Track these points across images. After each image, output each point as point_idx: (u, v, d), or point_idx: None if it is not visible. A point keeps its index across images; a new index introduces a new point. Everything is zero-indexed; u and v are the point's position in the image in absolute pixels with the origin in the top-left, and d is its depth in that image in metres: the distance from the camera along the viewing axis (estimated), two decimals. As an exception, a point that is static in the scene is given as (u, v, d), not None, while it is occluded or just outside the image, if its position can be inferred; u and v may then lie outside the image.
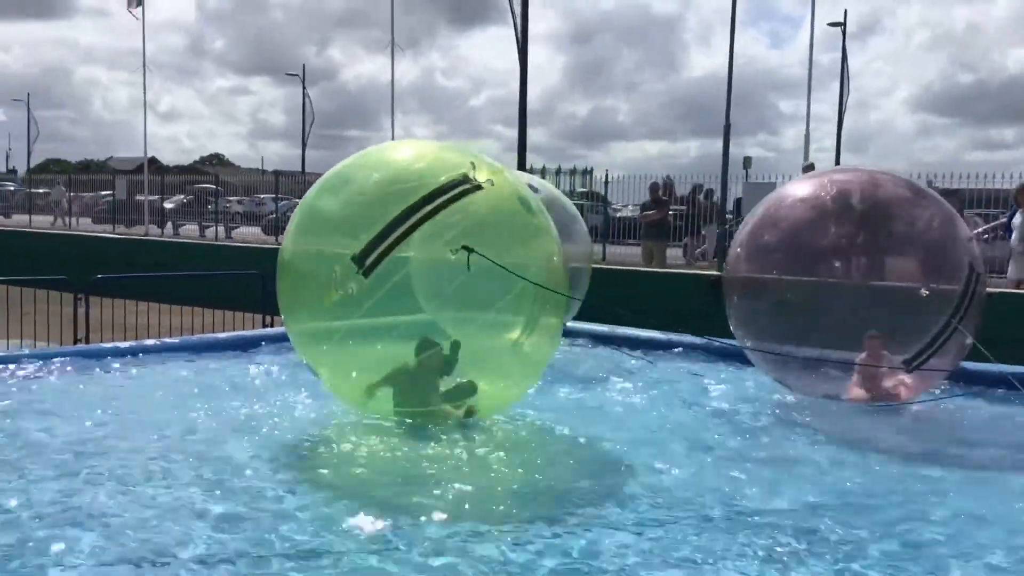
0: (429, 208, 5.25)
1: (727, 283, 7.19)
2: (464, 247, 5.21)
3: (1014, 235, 12.63)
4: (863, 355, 6.54)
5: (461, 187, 5.34)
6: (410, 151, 6.00)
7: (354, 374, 5.77)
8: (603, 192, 26.45)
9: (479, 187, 5.39)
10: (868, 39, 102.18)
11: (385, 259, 5.19)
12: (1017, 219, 12.73)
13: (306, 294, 5.72)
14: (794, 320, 6.55)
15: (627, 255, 21.10)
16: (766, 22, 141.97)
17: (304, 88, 46.88)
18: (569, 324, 8.47)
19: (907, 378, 6.50)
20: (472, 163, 5.50)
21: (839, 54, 35.01)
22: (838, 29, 35.46)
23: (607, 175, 25.83)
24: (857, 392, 6.63)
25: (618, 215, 26.97)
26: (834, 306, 6.53)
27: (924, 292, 6.39)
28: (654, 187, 19.75)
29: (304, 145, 45.95)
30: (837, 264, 6.63)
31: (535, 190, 8.32)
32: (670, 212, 20.64)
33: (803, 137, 32.29)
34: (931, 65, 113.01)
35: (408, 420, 5.74)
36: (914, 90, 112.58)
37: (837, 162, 32.82)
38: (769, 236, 6.93)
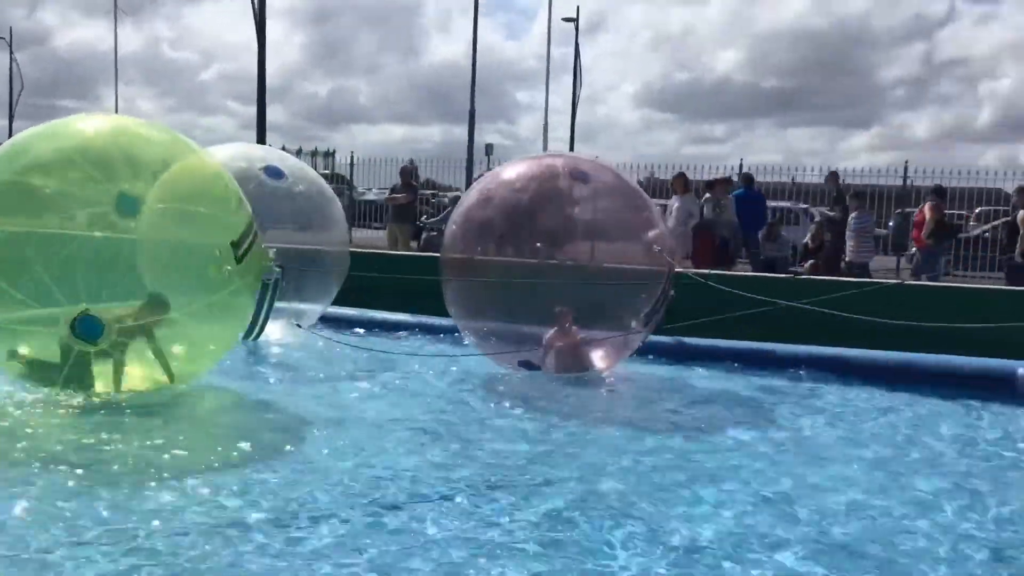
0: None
1: (443, 263, 7.27)
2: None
3: (671, 219, 13.88)
4: (552, 330, 6.90)
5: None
6: (96, 123, 5.65)
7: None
8: (348, 175, 26.13)
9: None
10: (598, 36, 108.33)
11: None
12: (674, 203, 14.32)
13: None
14: (502, 297, 6.80)
15: (373, 238, 20.93)
16: (503, 13, 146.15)
17: (11, 53, 42.24)
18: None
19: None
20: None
21: (569, 48, 36.71)
22: (571, 24, 37.22)
23: (352, 157, 25.55)
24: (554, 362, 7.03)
25: (363, 199, 26.76)
26: (537, 284, 6.82)
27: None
28: (404, 171, 19.73)
29: (11, 116, 41.50)
30: (541, 244, 6.96)
31: (281, 174, 7.89)
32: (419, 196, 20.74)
33: (538, 127, 33.67)
34: (653, 63, 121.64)
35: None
36: (638, 86, 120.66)
37: (571, 151, 34.51)
38: (481, 216, 7.11)
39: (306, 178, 8.28)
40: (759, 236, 15.27)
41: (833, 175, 17.26)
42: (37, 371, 5.42)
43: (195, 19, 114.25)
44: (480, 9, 30.40)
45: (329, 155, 32.02)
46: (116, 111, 35.07)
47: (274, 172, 7.76)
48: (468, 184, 25.81)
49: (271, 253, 6.18)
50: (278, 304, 6.56)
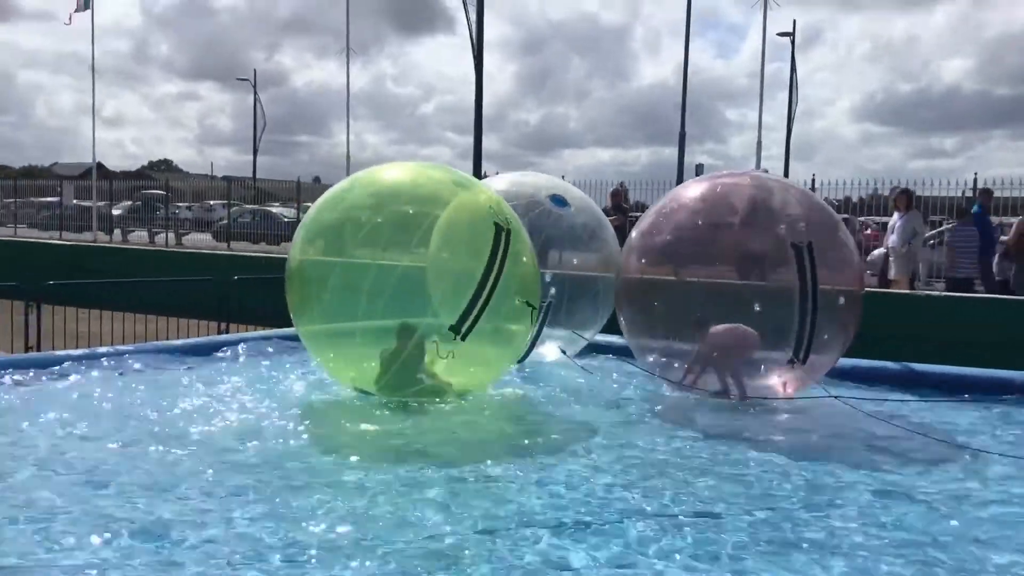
0: (496, 269, 6.29)
1: (623, 284, 7.43)
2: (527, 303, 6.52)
3: (894, 237, 13.64)
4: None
5: (503, 239, 6.34)
6: (395, 171, 6.98)
7: (365, 364, 6.60)
8: (558, 199, 26.62)
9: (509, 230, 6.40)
10: (812, 49, 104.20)
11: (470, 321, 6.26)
12: (896, 222, 13.78)
13: (312, 296, 6.62)
14: (686, 319, 6.89)
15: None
16: (711, 32, 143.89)
17: (256, 93, 46.45)
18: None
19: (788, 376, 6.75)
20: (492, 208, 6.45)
21: (783, 64, 35.67)
22: (783, 39, 36.13)
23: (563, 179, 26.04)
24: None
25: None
26: (724, 305, 6.80)
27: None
28: (615, 193, 19.89)
29: (255, 150, 45.57)
30: (727, 265, 7.02)
31: (563, 203, 8.44)
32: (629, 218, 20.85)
33: (749, 145, 32.86)
34: (872, 75, 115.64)
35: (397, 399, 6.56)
36: (856, 100, 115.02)
37: (786, 169, 33.42)
38: (660, 239, 7.20)
39: (587, 209, 8.84)
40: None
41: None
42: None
43: (415, 56, 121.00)
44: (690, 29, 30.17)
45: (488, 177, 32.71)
46: (348, 145, 37.63)
47: (559, 201, 8.39)
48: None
49: (547, 278, 7.38)
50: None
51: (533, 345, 7.58)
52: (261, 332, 9.30)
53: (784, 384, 6.76)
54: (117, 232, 33.92)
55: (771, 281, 6.81)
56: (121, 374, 7.40)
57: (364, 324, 6.42)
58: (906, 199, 14.11)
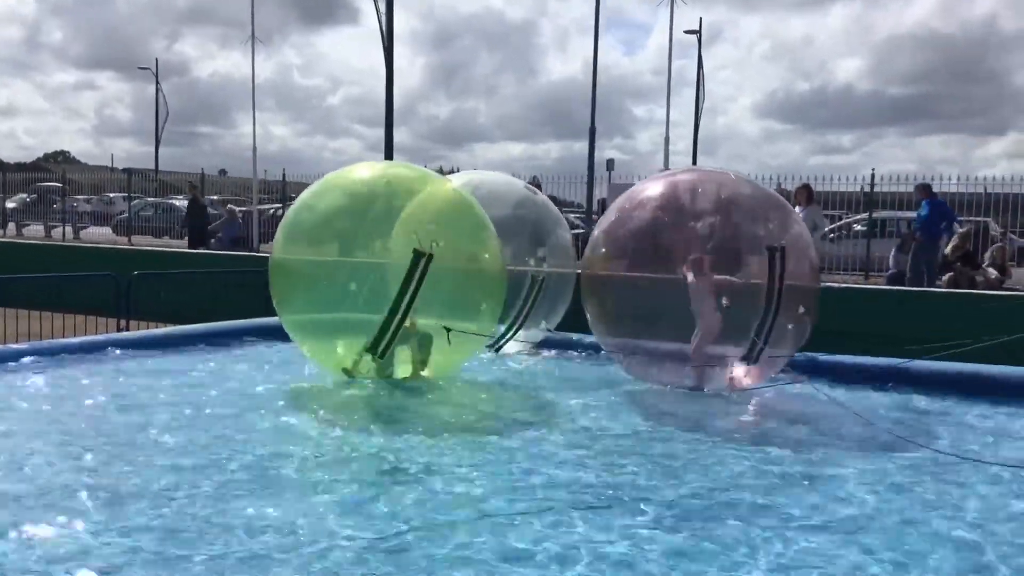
0: (409, 295, 6.53)
1: (585, 280, 7.50)
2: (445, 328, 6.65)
3: None
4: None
5: (422, 266, 6.50)
6: (366, 170, 7.49)
7: (339, 350, 7.10)
8: (470, 192, 26.62)
9: (431, 256, 6.53)
10: (714, 48, 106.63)
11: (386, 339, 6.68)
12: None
13: (295, 290, 7.13)
14: (649, 315, 7.00)
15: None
16: (616, 30, 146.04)
17: (158, 83, 45.00)
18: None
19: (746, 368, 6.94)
20: (415, 235, 6.63)
21: (688, 61, 36.42)
22: (688, 36, 36.82)
23: (474, 175, 26.03)
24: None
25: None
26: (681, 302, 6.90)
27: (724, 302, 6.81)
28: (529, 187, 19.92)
29: (158, 142, 44.13)
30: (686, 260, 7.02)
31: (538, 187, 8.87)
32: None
33: (656, 140, 33.47)
34: (772, 74, 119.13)
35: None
36: (758, 97, 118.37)
37: (694, 164, 34.08)
38: (624, 235, 7.29)
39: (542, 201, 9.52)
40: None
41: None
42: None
43: (320, 47, 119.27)
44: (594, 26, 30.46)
45: (453, 173, 32.59)
46: (254, 137, 36.72)
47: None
48: (590, 198, 25.88)
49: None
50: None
51: (514, 332, 7.95)
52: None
53: (744, 376, 6.97)
54: (11, 226, 32.51)
55: (739, 277, 6.97)
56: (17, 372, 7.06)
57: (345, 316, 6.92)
58: (806, 193, 14.53)
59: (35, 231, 31.72)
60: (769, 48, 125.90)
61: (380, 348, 6.70)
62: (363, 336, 6.80)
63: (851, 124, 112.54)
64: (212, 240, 21.95)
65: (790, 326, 6.80)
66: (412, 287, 6.53)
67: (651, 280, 7.03)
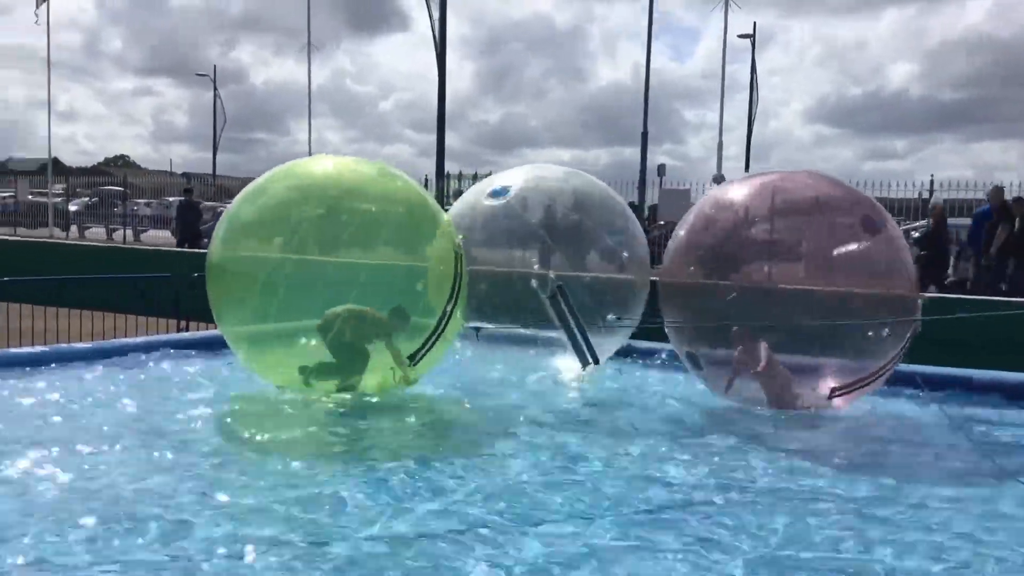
0: (452, 305, 6.34)
1: (665, 288, 7.13)
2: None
3: None
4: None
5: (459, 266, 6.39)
6: (319, 164, 6.70)
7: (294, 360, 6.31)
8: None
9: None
10: (765, 52, 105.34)
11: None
12: None
13: (234, 295, 6.33)
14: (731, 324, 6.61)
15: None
16: (664, 35, 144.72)
17: (216, 89, 45.93)
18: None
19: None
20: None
21: (739, 65, 36.12)
22: (740, 41, 36.55)
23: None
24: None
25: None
26: (775, 312, 6.45)
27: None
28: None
29: (215, 147, 45.04)
30: (772, 268, 6.68)
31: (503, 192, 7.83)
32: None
33: (708, 146, 33.25)
34: (824, 78, 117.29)
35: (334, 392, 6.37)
36: (809, 102, 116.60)
37: (747, 169, 33.74)
38: (707, 240, 6.88)
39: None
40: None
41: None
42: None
43: (373, 55, 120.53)
44: (644, 32, 30.39)
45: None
46: (310, 144, 37.39)
47: (499, 192, 7.85)
48: (642, 204, 25.72)
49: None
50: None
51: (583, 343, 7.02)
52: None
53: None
54: (74, 229, 33.37)
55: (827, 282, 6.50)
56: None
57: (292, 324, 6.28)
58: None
59: (97, 233, 32.52)
60: (820, 52, 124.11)
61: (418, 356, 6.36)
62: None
63: (905, 129, 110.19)
64: (204, 240, 22.23)
65: (885, 333, 6.31)
66: (455, 291, 6.36)
67: (734, 287, 6.61)
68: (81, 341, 8.78)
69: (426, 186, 18.54)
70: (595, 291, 7.54)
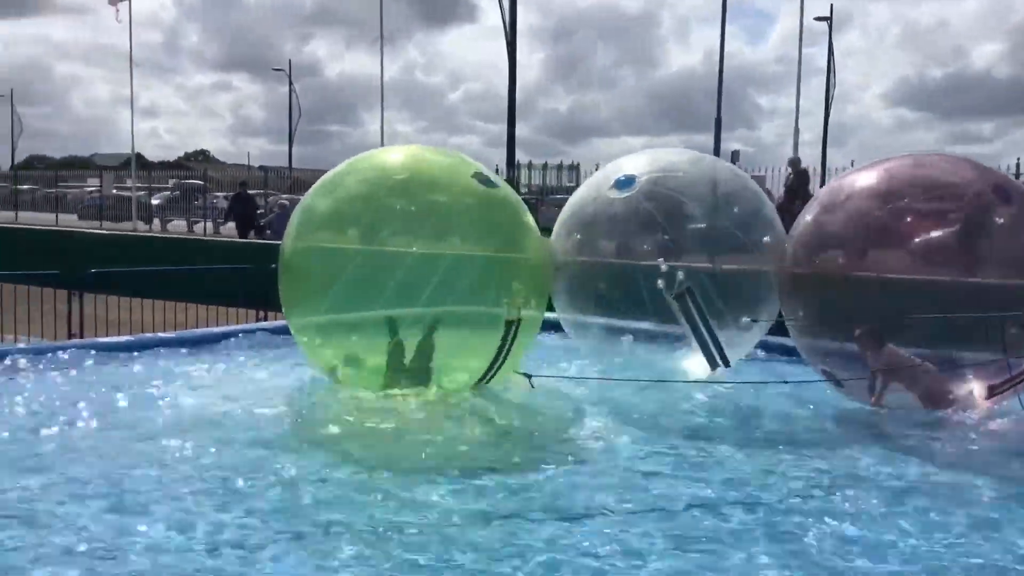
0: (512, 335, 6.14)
1: (795, 279, 6.66)
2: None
3: None
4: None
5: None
6: (392, 155, 6.76)
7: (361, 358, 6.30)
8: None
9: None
10: (842, 35, 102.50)
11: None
12: None
13: (306, 289, 6.32)
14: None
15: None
16: (739, 18, 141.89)
17: (291, 83, 46.76)
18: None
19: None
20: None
21: (814, 48, 35.32)
22: (814, 24, 35.64)
23: (597, 169, 25.95)
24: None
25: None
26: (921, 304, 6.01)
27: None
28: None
29: (291, 140, 45.86)
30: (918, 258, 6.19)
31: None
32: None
33: (781, 132, 32.76)
34: (904, 60, 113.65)
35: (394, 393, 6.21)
36: (889, 85, 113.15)
37: (823, 155, 33.02)
38: (833, 228, 6.51)
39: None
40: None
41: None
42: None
43: (441, 46, 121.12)
44: (716, 16, 29.88)
45: (573, 168, 32.69)
46: (382, 135, 37.82)
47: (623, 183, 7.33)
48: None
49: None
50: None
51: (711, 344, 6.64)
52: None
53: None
54: (156, 222, 34.37)
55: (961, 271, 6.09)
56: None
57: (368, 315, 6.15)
58: None
59: (178, 226, 33.45)
60: (900, 34, 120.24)
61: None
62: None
63: (991, 112, 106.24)
64: (267, 232, 22.65)
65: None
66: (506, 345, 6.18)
67: (879, 280, 6.09)
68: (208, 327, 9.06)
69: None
70: (724, 286, 6.90)
